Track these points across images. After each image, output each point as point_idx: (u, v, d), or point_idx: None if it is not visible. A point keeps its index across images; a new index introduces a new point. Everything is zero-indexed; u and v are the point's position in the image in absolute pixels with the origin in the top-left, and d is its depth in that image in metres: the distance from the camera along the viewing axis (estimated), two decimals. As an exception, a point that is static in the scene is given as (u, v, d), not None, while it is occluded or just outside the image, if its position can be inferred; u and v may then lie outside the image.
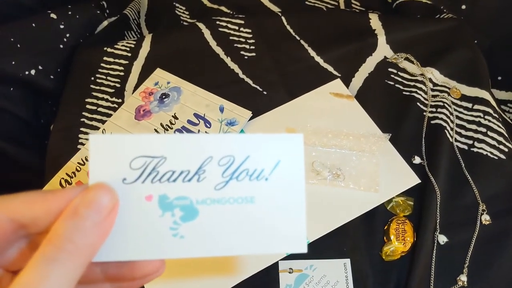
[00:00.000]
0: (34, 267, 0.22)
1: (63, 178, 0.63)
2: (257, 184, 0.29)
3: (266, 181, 0.29)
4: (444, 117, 0.65)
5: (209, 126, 0.66)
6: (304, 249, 0.28)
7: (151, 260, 0.28)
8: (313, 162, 0.62)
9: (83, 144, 0.66)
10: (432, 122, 0.65)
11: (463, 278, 0.54)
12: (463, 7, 0.78)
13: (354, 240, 0.57)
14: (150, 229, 0.27)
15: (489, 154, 0.63)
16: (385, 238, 0.57)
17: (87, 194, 0.25)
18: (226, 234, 0.28)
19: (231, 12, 0.87)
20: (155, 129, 0.66)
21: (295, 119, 0.67)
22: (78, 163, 0.65)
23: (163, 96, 0.70)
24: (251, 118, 0.67)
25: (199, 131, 0.65)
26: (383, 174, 0.61)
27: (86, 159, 0.65)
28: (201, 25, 0.78)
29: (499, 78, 0.79)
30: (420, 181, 0.60)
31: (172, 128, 0.66)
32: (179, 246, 0.27)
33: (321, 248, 0.57)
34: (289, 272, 0.55)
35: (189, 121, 0.67)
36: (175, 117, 0.67)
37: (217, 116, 0.67)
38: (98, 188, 0.25)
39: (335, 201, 0.59)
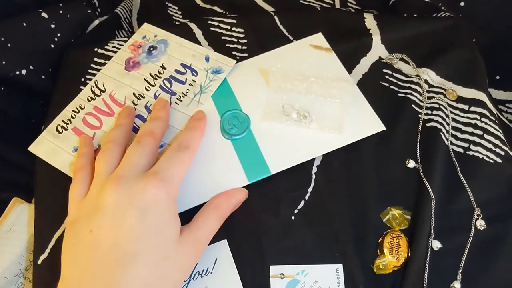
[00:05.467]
0: None
1: (59, 125, 0.67)
2: (206, 278, 0.54)
3: (212, 274, 0.55)
4: (440, 120, 0.64)
5: (195, 74, 0.69)
6: None
7: None
8: (283, 105, 0.65)
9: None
10: (428, 124, 0.64)
11: (457, 285, 0.53)
12: (462, 3, 0.77)
13: (345, 246, 0.57)
14: None
15: (485, 157, 0.61)
16: (378, 251, 0.56)
17: None
18: None
19: (224, 12, 0.86)
20: (144, 79, 0.70)
21: (271, 64, 0.71)
22: (73, 111, 0.68)
23: (151, 48, 0.73)
24: None
25: (186, 79, 0.69)
26: (349, 119, 0.64)
27: (81, 107, 0.68)
28: (192, 25, 0.77)
29: (498, 77, 0.77)
30: (385, 129, 0.63)
31: (160, 78, 0.70)
32: None
33: (312, 252, 0.57)
34: (281, 278, 0.55)
35: (176, 71, 0.70)
36: (163, 67, 0.71)
37: (203, 65, 0.70)
38: None
39: (301, 140, 0.63)
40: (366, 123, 0.64)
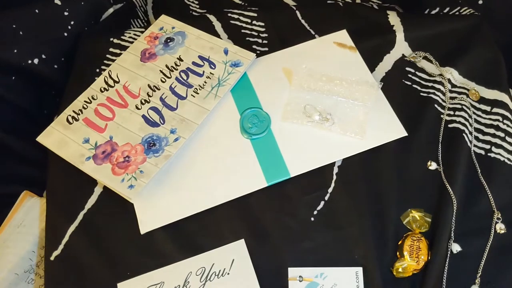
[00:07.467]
0: None
1: (70, 115, 0.66)
2: (223, 279, 0.54)
3: (228, 275, 0.54)
4: (463, 121, 0.63)
5: (213, 67, 0.69)
6: None
7: None
8: (305, 105, 0.64)
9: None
10: (450, 125, 0.63)
11: (475, 289, 0.53)
12: (480, 2, 0.75)
13: (365, 248, 0.56)
14: None
15: (506, 160, 0.61)
16: (398, 253, 0.56)
17: None
18: None
19: (243, 3, 0.84)
20: (160, 70, 0.69)
21: (295, 62, 0.69)
22: (85, 101, 0.67)
23: (168, 40, 0.72)
24: None
25: (204, 72, 0.68)
26: (371, 123, 0.63)
27: (93, 98, 0.67)
28: (212, 18, 0.75)
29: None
30: (406, 134, 0.62)
31: (177, 70, 0.69)
32: None
33: (331, 254, 0.56)
34: (299, 281, 0.54)
35: (194, 63, 0.69)
36: (180, 59, 0.70)
37: (221, 58, 0.69)
38: None
39: (322, 143, 0.62)
40: (388, 128, 0.63)
